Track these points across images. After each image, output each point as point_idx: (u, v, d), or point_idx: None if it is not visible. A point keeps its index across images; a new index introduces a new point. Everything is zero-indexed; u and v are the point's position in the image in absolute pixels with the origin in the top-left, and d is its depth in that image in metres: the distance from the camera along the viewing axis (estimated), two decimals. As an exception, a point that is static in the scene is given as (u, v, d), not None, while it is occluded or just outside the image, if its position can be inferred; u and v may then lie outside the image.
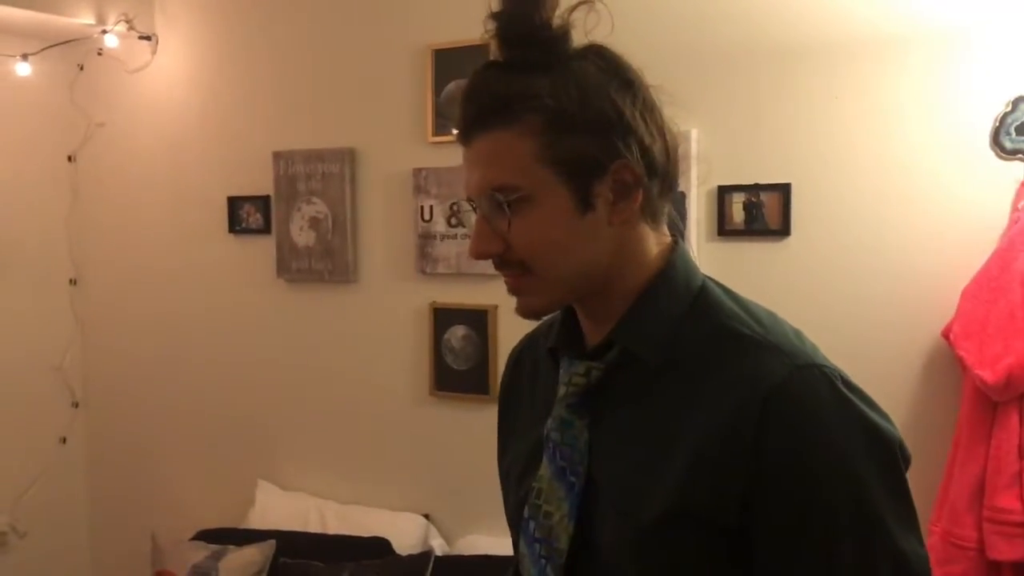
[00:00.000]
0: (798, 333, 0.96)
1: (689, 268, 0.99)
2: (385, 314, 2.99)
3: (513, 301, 0.99)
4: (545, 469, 1.00)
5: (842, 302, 2.29)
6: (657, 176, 0.95)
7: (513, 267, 0.96)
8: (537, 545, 1.00)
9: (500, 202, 0.92)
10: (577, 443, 0.98)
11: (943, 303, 2.13)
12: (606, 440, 0.97)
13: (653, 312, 0.96)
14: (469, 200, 0.98)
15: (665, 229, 1.00)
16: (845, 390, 0.89)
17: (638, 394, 0.96)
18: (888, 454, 0.89)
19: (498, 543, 2.65)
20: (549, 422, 1.01)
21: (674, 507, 0.89)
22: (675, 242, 1.01)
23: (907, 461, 0.91)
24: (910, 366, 2.23)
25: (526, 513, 1.02)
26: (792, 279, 2.35)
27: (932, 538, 2.05)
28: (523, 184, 0.91)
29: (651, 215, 0.97)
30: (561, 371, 1.01)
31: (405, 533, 2.79)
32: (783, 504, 0.87)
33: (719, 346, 0.93)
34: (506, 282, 0.99)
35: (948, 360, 2.16)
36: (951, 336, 2.09)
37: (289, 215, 3.10)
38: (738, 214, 2.39)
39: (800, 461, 0.86)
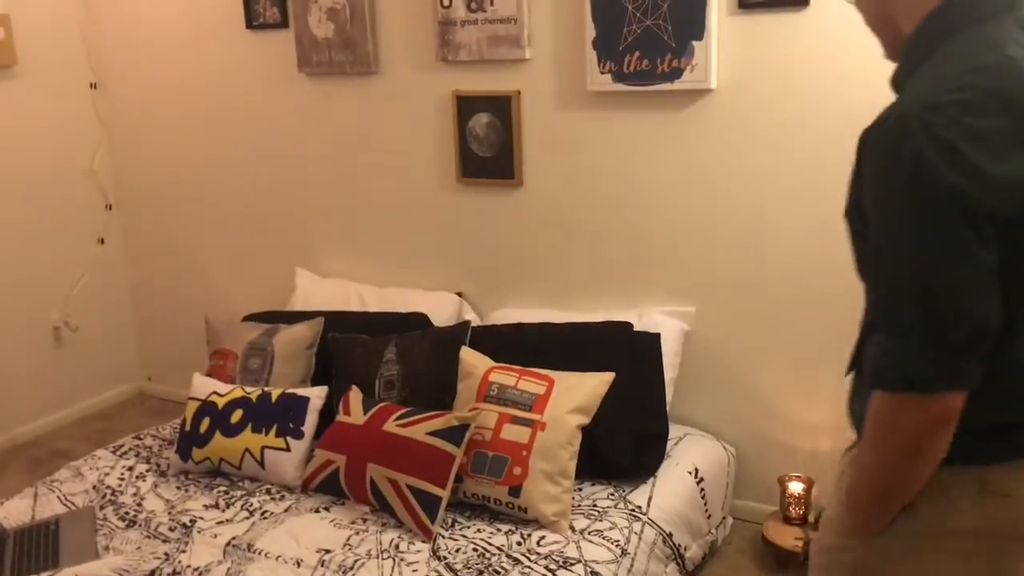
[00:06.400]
0: (965, 73, 1.04)
1: (950, 18, 1.10)
2: (409, 104, 3.05)
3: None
4: None
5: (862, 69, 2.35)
6: None
7: None
8: None
9: None
10: None
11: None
12: None
13: (905, 58, 1.18)
14: None
15: None
16: (920, 138, 1.00)
17: None
18: (926, 189, 1.00)
19: (528, 314, 2.85)
20: None
21: (847, 207, 1.20)
22: None
23: (976, 214, 0.99)
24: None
25: None
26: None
27: None
28: None
29: None
30: None
31: (440, 310, 2.98)
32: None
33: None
34: None
35: None
36: None
37: (306, 7, 3.10)
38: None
39: (869, 190, 1.11)
